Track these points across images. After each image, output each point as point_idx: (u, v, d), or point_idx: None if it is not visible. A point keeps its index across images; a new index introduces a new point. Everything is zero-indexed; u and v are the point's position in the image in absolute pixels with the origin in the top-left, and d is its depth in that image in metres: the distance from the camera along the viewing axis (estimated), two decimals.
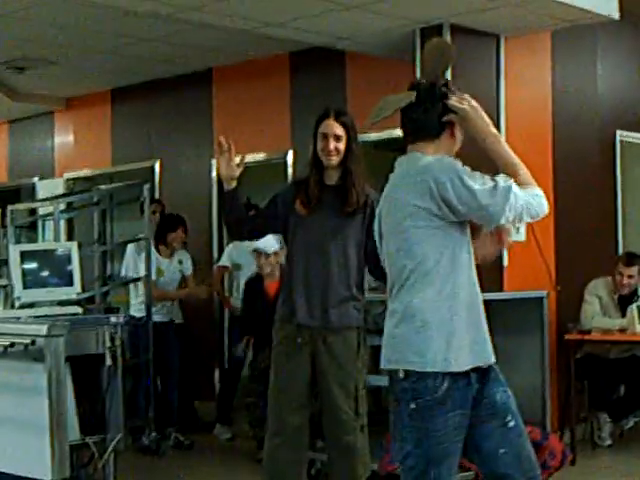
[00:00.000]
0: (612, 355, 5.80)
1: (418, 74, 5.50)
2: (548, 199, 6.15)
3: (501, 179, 2.67)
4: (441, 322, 2.68)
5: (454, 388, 2.69)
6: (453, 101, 2.77)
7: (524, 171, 2.74)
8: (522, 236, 5.64)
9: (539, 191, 2.72)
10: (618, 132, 6.38)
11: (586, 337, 5.54)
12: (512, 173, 2.72)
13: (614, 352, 5.78)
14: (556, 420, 5.52)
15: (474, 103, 2.79)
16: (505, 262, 5.58)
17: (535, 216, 2.72)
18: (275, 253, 5.53)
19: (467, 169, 2.71)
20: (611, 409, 5.88)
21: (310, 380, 4.07)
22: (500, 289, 5.54)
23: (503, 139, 2.85)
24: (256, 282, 5.74)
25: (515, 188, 2.66)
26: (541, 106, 5.98)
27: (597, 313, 5.69)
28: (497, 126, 5.51)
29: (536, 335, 5.25)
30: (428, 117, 2.77)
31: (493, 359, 2.81)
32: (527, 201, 2.67)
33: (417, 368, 2.67)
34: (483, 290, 5.22)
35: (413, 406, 2.68)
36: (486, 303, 5.01)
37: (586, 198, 6.14)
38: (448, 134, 2.79)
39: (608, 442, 5.85)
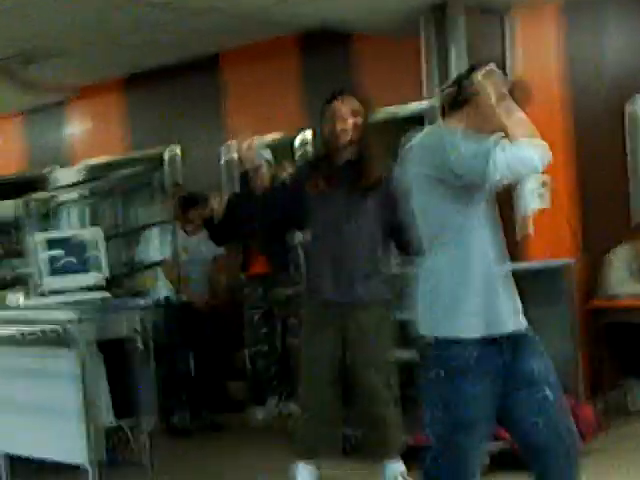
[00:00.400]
0: None
1: (424, 51, 5.49)
2: (568, 166, 6.12)
3: (489, 141, 2.67)
4: (450, 288, 2.70)
5: (483, 355, 2.68)
6: (476, 75, 2.79)
7: (524, 125, 2.70)
8: (546, 203, 5.64)
9: (534, 146, 2.65)
10: (628, 102, 6.33)
11: (615, 303, 5.51)
12: (513, 127, 2.68)
13: None
14: (588, 388, 5.51)
15: (489, 79, 2.78)
16: (530, 230, 5.55)
17: (528, 170, 2.68)
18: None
19: (463, 134, 2.71)
20: None
21: (340, 355, 4.08)
22: (524, 258, 5.52)
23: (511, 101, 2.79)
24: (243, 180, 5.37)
25: (501, 146, 2.64)
26: (551, 80, 5.95)
27: (626, 279, 5.66)
28: None
29: (563, 304, 5.22)
30: (452, 91, 2.83)
31: (519, 328, 2.80)
32: (518, 156, 2.63)
33: (441, 334, 2.68)
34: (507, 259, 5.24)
35: (442, 372, 2.69)
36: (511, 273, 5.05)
37: (606, 163, 6.10)
38: (473, 107, 2.78)
39: None
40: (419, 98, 5.50)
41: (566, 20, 6.00)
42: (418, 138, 2.84)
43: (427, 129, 2.87)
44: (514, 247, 5.49)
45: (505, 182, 2.67)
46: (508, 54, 5.58)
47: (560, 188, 5.70)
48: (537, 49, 5.85)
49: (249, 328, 5.96)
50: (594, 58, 6.20)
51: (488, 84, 2.77)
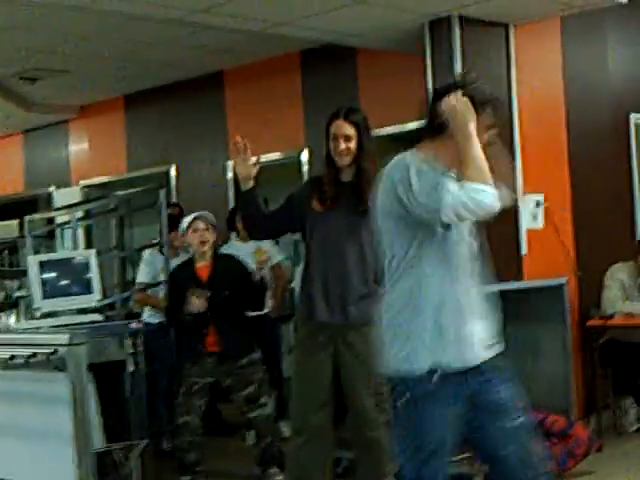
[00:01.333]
0: (635, 339, 5.75)
1: (429, 68, 5.49)
2: (565, 186, 6.13)
3: (446, 179, 2.64)
4: (403, 321, 2.70)
5: (445, 384, 2.68)
6: (446, 100, 2.74)
7: (480, 168, 2.66)
8: (540, 224, 5.63)
9: (487, 187, 2.64)
10: (632, 115, 6.33)
11: (609, 322, 5.49)
12: (468, 169, 2.67)
13: (637, 336, 5.73)
14: (581, 407, 5.48)
15: (461, 104, 2.72)
16: (524, 251, 5.54)
17: (481, 213, 2.64)
18: (206, 228, 5.16)
19: (422, 167, 2.69)
20: (636, 394, 5.84)
21: (332, 378, 4.06)
22: (520, 278, 5.50)
23: (474, 140, 2.73)
24: (186, 266, 5.27)
25: (452, 186, 2.62)
26: (554, 92, 5.94)
27: (619, 298, 5.65)
28: (510, 114, 5.56)
29: (558, 323, 5.22)
30: (430, 122, 2.79)
31: (489, 357, 2.77)
32: (473, 198, 2.61)
33: (400, 369, 2.69)
34: (502, 280, 5.23)
35: (405, 400, 2.70)
36: (506, 293, 5.03)
37: (603, 181, 6.09)
38: (448, 135, 2.74)
39: (634, 427, 5.80)
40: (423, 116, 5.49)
41: (568, 33, 6.01)
42: (387, 166, 2.81)
43: (396, 157, 2.80)
44: (516, 264, 5.50)
45: (456, 221, 2.65)
46: (511, 67, 5.59)
47: (555, 206, 5.69)
48: (539, 62, 5.86)
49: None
50: (596, 71, 6.20)
51: (459, 113, 2.72)
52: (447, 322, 2.70)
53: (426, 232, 2.71)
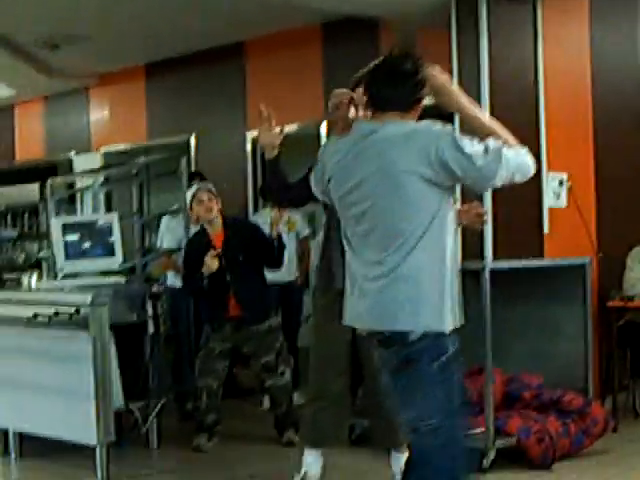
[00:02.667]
0: None
1: (454, 42, 5.46)
2: (589, 166, 6.08)
3: (490, 141, 2.70)
4: (434, 284, 2.73)
5: (458, 346, 2.79)
6: (429, 74, 2.80)
7: (507, 134, 2.76)
8: (563, 202, 5.61)
9: (526, 151, 2.75)
10: None
11: (629, 304, 5.48)
12: (496, 137, 2.74)
13: None
14: (597, 388, 5.48)
15: (446, 76, 2.83)
16: (546, 228, 5.53)
17: (526, 174, 2.75)
18: (209, 199, 5.24)
19: (457, 132, 2.75)
20: None
21: (350, 346, 4.08)
22: (541, 256, 5.49)
23: (478, 108, 2.88)
24: (201, 234, 5.32)
25: (505, 149, 2.70)
26: (580, 69, 5.89)
27: None
28: (536, 90, 5.53)
29: (578, 302, 5.20)
30: (400, 91, 2.80)
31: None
32: (517, 161, 2.71)
33: (431, 329, 2.71)
34: (524, 256, 5.21)
35: (443, 359, 2.73)
36: (527, 270, 5.04)
37: (627, 162, 6.05)
38: (416, 109, 2.82)
39: None
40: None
41: (596, 9, 5.95)
42: (381, 131, 2.77)
43: (390, 123, 2.79)
44: (538, 242, 5.49)
45: (502, 184, 2.73)
46: (538, 43, 5.55)
47: (579, 185, 5.66)
48: (566, 39, 5.81)
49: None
50: (625, 48, 6.14)
51: (444, 82, 2.81)
52: (454, 290, 2.79)
53: (447, 203, 2.76)
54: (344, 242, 2.95)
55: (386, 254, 2.74)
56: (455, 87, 2.86)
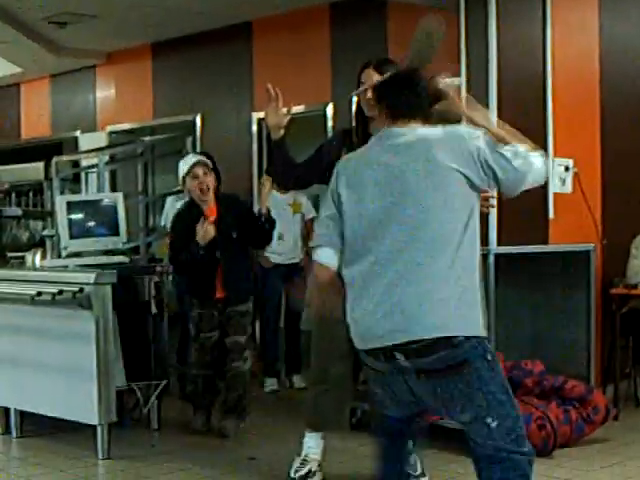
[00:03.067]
0: None
1: (462, 25, 5.41)
2: (595, 149, 6.04)
3: (517, 145, 2.79)
4: (473, 282, 2.77)
5: None
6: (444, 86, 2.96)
7: (523, 139, 2.85)
8: (569, 188, 5.58)
9: (542, 156, 2.84)
10: None
11: (632, 292, 5.46)
12: (513, 139, 2.83)
13: None
14: (599, 376, 5.48)
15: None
16: (551, 214, 5.50)
17: (540, 181, 2.86)
18: (205, 173, 4.98)
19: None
20: None
21: None
22: (545, 241, 5.47)
23: (492, 116, 3.00)
24: (193, 206, 5.07)
25: (530, 153, 2.80)
26: (589, 55, 5.85)
27: None
28: (543, 76, 5.49)
29: (581, 289, 5.19)
30: (422, 101, 2.89)
31: None
32: (539, 165, 2.80)
33: (479, 334, 2.74)
34: (528, 243, 5.19)
35: (489, 357, 2.74)
36: (531, 256, 5.02)
37: (634, 149, 6.02)
38: (430, 120, 2.91)
39: None
40: (456, 74, 5.43)
41: None
42: (424, 134, 2.81)
43: (427, 129, 2.86)
44: (543, 228, 5.47)
45: (526, 188, 2.82)
46: (547, 27, 5.50)
47: (585, 172, 5.64)
48: (575, 23, 5.77)
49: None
50: (634, 33, 6.09)
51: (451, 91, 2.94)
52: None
53: (476, 200, 2.81)
54: (350, 254, 2.89)
55: (429, 256, 2.69)
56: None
